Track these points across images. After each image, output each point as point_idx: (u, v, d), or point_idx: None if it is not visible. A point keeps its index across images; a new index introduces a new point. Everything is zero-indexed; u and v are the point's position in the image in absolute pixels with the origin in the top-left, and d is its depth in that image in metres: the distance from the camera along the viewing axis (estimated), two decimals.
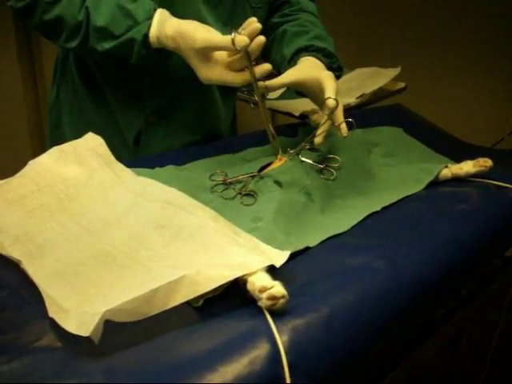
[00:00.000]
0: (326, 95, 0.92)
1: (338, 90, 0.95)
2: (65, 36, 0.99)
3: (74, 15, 0.96)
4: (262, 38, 0.88)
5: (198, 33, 0.89)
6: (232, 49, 0.85)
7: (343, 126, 0.93)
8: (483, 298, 0.99)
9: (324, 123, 0.94)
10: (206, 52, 0.90)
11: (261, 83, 0.93)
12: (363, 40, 2.13)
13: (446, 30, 2.01)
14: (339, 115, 0.93)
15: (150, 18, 0.94)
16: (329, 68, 1.03)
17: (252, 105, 0.97)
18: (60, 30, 0.99)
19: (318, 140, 0.94)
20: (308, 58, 1.04)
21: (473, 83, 1.98)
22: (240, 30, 0.87)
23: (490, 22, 1.91)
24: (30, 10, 0.99)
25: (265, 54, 1.17)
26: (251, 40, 0.86)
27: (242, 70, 0.91)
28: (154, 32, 0.93)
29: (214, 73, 0.92)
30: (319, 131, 0.94)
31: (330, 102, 0.91)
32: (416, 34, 2.07)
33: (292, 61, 1.07)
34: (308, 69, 1.01)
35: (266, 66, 0.91)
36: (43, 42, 2.74)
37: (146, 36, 0.93)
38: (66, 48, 1.07)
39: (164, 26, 0.92)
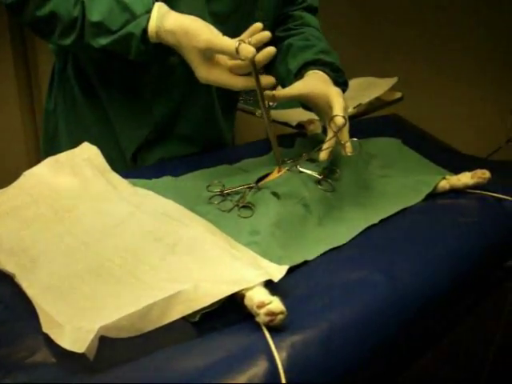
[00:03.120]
0: (335, 112, 0.91)
1: (346, 108, 0.94)
2: (59, 32, 0.95)
3: (68, 10, 0.92)
4: (271, 50, 0.86)
5: (202, 33, 0.86)
6: (236, 57, 0.83)
7: (349, 145, 0.91)
8: (481, 310, 0.98)
9: (330, 139, 0.93)
10: (208, 53, 0.87)
11: (267, 92, 0.91)
12: (360, 50, 2.13)
13: (442, 40, 2.02)
14: (345, 133, 0.92)
15: (149, 11, 0.90)
16: (335, 82, 1.02)
17: (258, 112, 0.95)
18: (54, 26, 0.95)
19: (323, 156, 0.92)
20: (315, 71, 1.03)
21: (469, 93, 1.98)
22: (245, 37, 0.84)
23: (486, 34, 1.91)
24: (21, 6, 0.95)
25: (268, 66, 1.15)
26: (258, 49, 0.83)
27: (244, 74, 0.88)
28: (153, 26, 0.89)
29: (214, 74, 0.89)
30: (325, 146, 0.93)
31: (339, 120, 0.90)
32: (413, 44, 2.07)
33: (299, 74, 1.06)
34: (316, 83, 1.00)
35: (271, 79, 0.90)
36: (39, 49, 2.72)
37: (145, 31, 0.89)
38: (59, 45, 1.02)
39: (163, 20, 0.89)
